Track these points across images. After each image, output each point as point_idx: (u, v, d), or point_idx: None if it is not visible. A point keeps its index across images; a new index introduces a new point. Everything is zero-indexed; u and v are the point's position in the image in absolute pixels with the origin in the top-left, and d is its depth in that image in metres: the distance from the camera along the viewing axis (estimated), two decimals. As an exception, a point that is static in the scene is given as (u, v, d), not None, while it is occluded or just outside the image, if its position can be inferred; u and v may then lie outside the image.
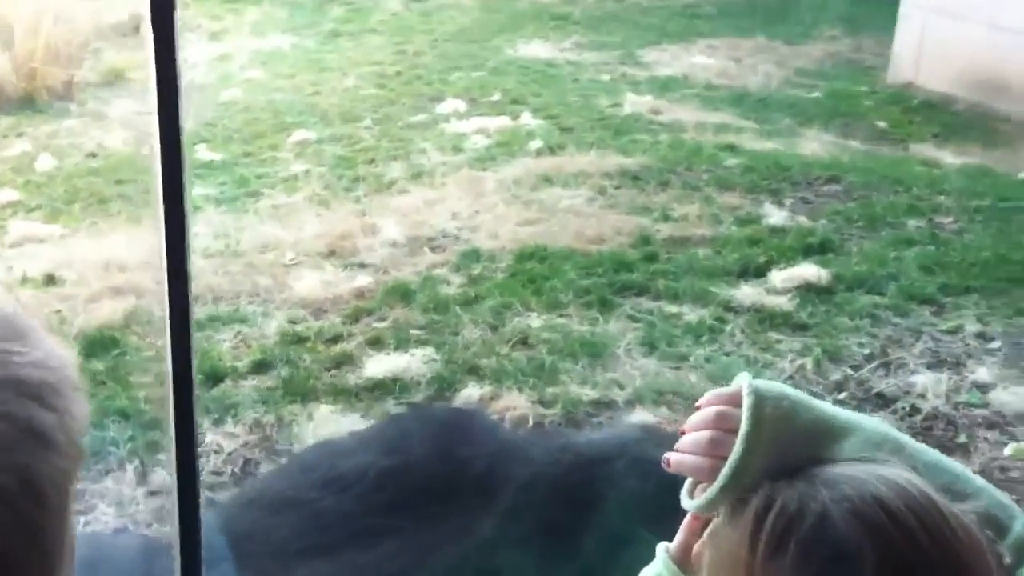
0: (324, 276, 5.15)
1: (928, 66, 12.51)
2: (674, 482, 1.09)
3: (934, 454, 1.06)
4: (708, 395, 1.09)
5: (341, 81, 12.11)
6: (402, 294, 4.80)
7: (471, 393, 3.81)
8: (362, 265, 5.36)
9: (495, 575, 2.73)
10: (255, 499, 3.01)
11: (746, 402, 1.03)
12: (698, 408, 1.09)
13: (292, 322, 4.64)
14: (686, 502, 1.08)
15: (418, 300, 4.72)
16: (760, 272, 4.93)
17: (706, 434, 1.06)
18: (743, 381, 1.06)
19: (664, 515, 1.17)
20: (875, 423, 1.07)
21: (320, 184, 7.61)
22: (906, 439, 1.06)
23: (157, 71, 1.66)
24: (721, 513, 1.05)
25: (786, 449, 1.01)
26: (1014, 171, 8.25)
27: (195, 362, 1.78)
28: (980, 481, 1.05)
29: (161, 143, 1.72)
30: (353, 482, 2.87)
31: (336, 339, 4.39)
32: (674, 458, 1.08)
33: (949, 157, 9.37)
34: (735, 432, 1.03)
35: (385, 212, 6.46)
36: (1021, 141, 10.24)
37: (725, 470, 1.02)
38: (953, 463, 1.06)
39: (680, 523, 1.15)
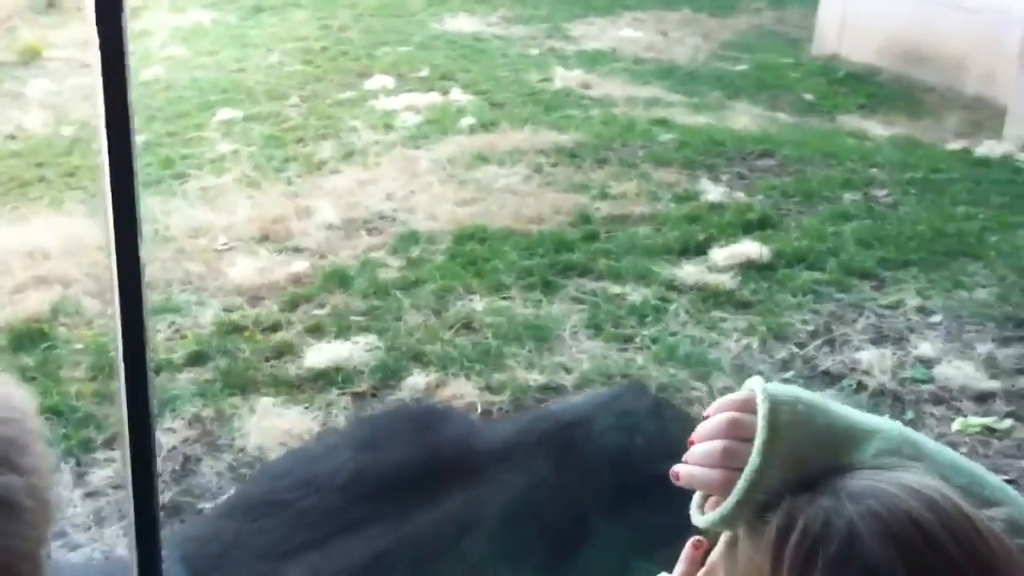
0: (259, 262, 5.02)
1: (851, 38, 12.64)
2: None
3: (950, 454, 1.01)
4: (718, 402, 1.01)
5: (265, 57, 11.86)
6: (340, 279, 4.69)
7: (416, 381, 3.73)
8: (297, 249, 5.23)
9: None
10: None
11: (761, 409, 0.96)
12: (706, 417, 1.01)
13: (228, 310, 4.51)
14: (697, 518, 1.00)
15: (357, 285, 4.62)
16: (701, 249, 4.91)
17: (718, 444, 0.98)
18: (756, 386, 0.98)
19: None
20: (891, 425, 1.01)
21: (249, 165, 7.43)
22: (923, 440, 1.00)
23: (102, 48, 1.55)
24: (728, 533, 0.99)
25: (804, 457, 0.95)
26: (941, 141, 8.37)
27: (150, 359, 1.68)
28: (995, 479, 1.01)
29: (107, 124, 1.60)
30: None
31: (275, 327, 4.27)
32: (683, 471, 0.99)
33: (877, 128, 9.48)
34: (750, 441, 0.96)
35: (318, 194, 6.32)
36: (946, 111, 10.40)
37: (741, 483, 0.94)
38: (968, 462, 1.01)
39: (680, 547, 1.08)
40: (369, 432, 3.24)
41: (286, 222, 5.64)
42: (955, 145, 7.64)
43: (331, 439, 3.27)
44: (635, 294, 4.45)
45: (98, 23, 1.57)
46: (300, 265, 4.94)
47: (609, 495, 2.68)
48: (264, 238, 5.46)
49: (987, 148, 7.32)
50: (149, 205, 6.25)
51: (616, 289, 4.51)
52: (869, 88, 11.14)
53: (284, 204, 6.11)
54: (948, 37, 11.23)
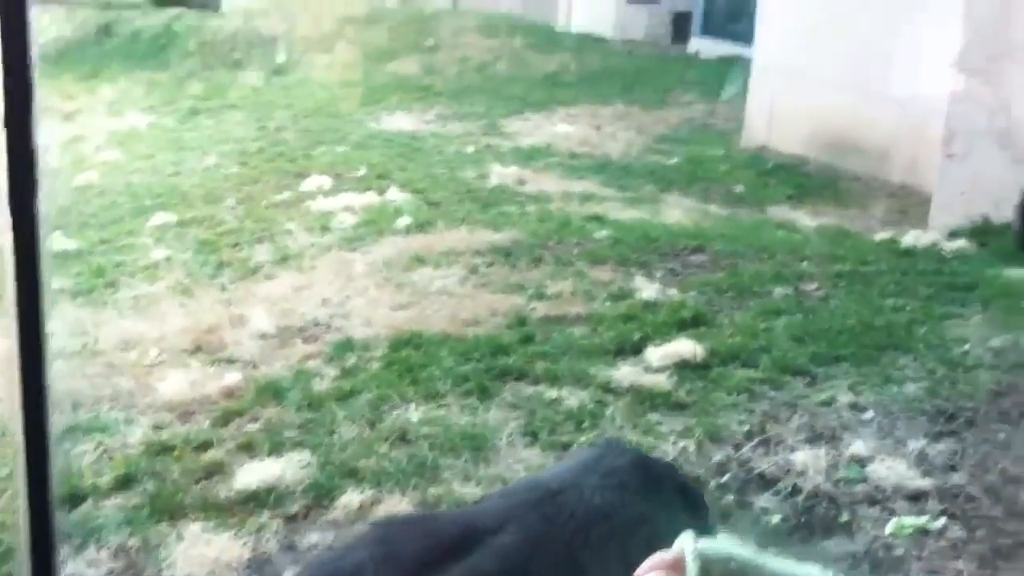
0: (190, 375, 4.94)
1: (779, 129, 12.96)
2: None
3: None
4: (647, 562, 0.99)
5: (201, 160, 11.86)
6: (274, 392, 4.63)
7: (350, 500, 3.66)
8: (230, 361, 5.16)
9: None
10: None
11: (691, 568, 0.95)
12: None
13: (157, 428, 4.42)
14: None
15: (291, 397, 4.56)
16: (637, 349, 4.93)
17: None
18: (686, 544, 0.97)
19: None
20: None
21: (183, 271, 7.36)
22: None
23: (9, 156, 1.52)
24: None
25: None
26: (868, 231, 8.54)
27: (54, 485, 1.63)
28: None
29: (14, 231, 1.56)
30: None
31: (205, 446, 4.19)
32: None
33: (805, 218, 9.67)
34: None
35: (252, 300, 6.27)
36: (872, 200, 10.65)
37: None
38: None
39: None
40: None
41: (219, 332, 5.57)
42: (882, 235, 7.80)
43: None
44: (572, 398, 4.44)
45: (7, 124, 1.53)
46: (233, 378, 4.87)
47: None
48: (196, 349, 5.39)
49: (913, 238, 7.48)
50: (79, 317, 6.15)
51: (553, 393, 4.50)
52: (797, 179, 11.40)
53: (218, 312, 6.04)
54: (872, 127, 11.56)
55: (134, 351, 5.41)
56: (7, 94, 1.51)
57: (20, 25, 1.50)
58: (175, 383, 4.81)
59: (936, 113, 9.60)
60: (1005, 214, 7.31)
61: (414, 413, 4.34)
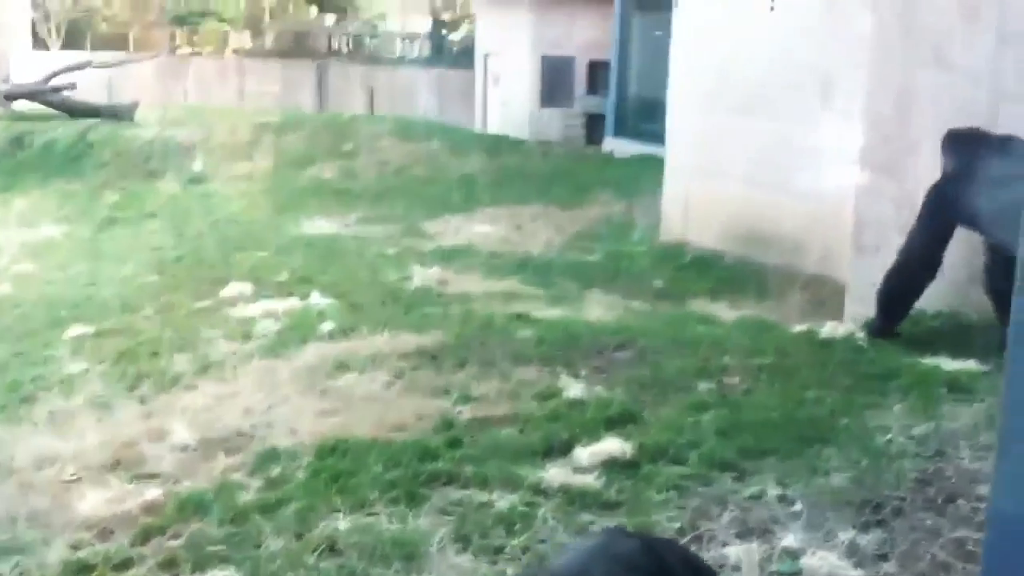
0: (109, 492, 4.81)
1: (696, 223, 13.24)
2: None
3: None
4: None
5: (119, 270, 11.71)
6: (196, 506, 4.51)
7: (280, 616, 3.57)
8: (151, 475, 5.04)
9: None
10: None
11: None
12: None
13: (75, 548, 4.28)
14: None
15: (214, 512, 4.45)
16: (565, 449, 4.92)
17: None
18: None
19: None
20: None
21: (100, 384, 7.21)
22: None
23: None
24: None
25: None
26: (786, 322, 8.70)
27: None
28: None
29: None
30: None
31: (126, 564, 4.05)
32: None
33: (725, 311, 9.83)
34: None
35: (173, 412, 6.15)
36: (789, 291, 10.87)
37: None
38: None
39: None
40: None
41: (138, 446, 5.45)
42: (800, 327, 7.95)
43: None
44: (502, 501, 4.39)
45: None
46: (153, 493, 4.75)
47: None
48: (115, 465, 5.26)
49: (830, 328, 7.62)
50: (-7, 434, 5.98)
51: (483, 497, 4.45)
52: (716, 272, 11.61)
53: (137, 426, 5.92)
54: (785, 220, 11.87)
55: (51, 468, 5.26)
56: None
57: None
58: (93, 500, 4.68)
59: (847, 205, 9.90)
60: (916, 304, 7.51)
61: (342, 522, 4.26)
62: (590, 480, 4.53)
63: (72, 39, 36.34)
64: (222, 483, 4.79)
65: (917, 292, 6.94)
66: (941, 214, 6.81)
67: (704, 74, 13.67)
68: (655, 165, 13.74)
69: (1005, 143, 6.76)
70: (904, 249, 7.01)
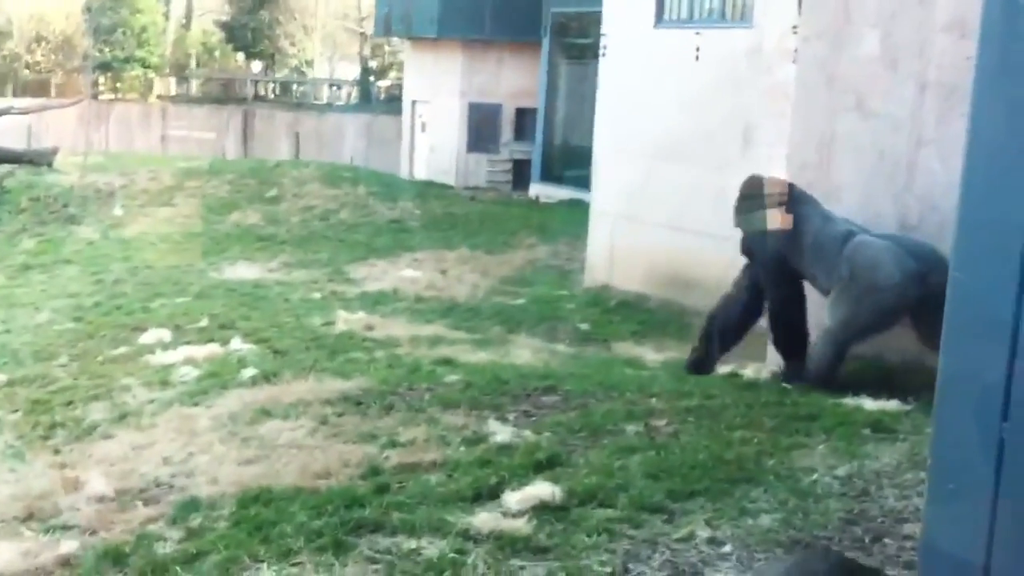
0: (22, 545, 4.63)
1: (620, 268, 13.35)
2: None
3: None
4: None
5: (33, 317, 11.42)
6: (114, 559, 4.36)
7: (200, 671, 3.44)
8: (66, 527, 4.87)
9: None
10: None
11: None
12: None
13: (-15, 605, 4.10)
14: None
15: (132, 564, 4.30)
16: (494, 494, 4.85)
17: None
18: None
19: None
20: None
21: (13, 434, 7.00)
22: None
23: None
24: None
25: None
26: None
27: None
28: None
29: None
30: None
31: (38, 621, 3.89)
32: None
33: (651, 353, 9.88)
34: None
35: (89, 462, 5.98)
36: (713, 334, 10.94)
37: None
38: None
39: None
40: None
41: (53, 497, 5.27)
42: (725, 369, 8.02)
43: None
44: (431, 548, 4.31)
45: None
46: (69, 545, 4.58)
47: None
48: (29, 517, 5.07)
49: (753, 371, 7.72)
50: (-102, 488, 5.74)
51: (411, 544, 4.36)
52: (640, 315, 11.70)
53: (51, 476, 5.73)
54: (708, 264, 12.00)
55: (-41, 522, 5.05)
56: None
57: None
58: (6, 554, 4.51)
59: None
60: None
61: (267, 573, 4.14)
62: (520, 525, 4.47)
63: (-8, 85, 35.70)
64: (140, 534, 4.64)
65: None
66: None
67: (629, 121, 13.86)
68: (581, 210, 13.85)
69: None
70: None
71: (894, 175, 7.43)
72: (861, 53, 7.66)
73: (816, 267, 7.14)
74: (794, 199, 7.37)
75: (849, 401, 6.24)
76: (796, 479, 4.86)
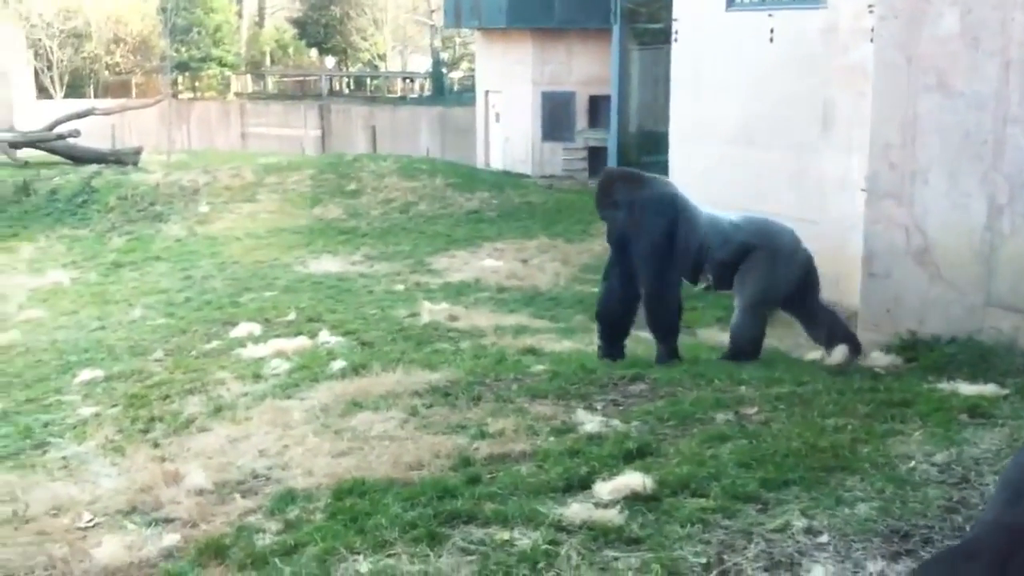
0: (127, 538, 4.75)
1: (702, 253, 13.21)
2: None
3: None
4: None
5: (127, 313, 11.71)
6: (215, 551, 4.46)
7: (305, 661, 3.50)
8: (168, 520, 4.99)
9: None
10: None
11: None
12: None
13: (95, 596, 4.22)
14: None
15: (233, 556, 4.39)
16: (585, 484, 4.85)
17: None
18: None
19: None
20: None
21: (113, 428, 7.18)
22: None
23: None
24: None
25: None
26: (798, 349, 8.66)
27: None
28: None
29: None
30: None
31: (147, 612, 4.00)
32: None
33: (737, 341, 9.73)
34: None
35: (187, 455, 6.11)
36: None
37: None
38: None
39: None
40: None
41: (154, 490, 5.40)
42: (814, 354, 7.91)
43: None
44: (524, 539, 4.33)
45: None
46: (171, 538, 4.70)
47: None
48: (132, 510, 5.21)
49: (842, 355, 7.60)
50: (7, 483, 5.93)
51: (504, 535, 4.39)
52: (723, 301, 11.54)
53: (151, 470, 5.87)
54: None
55: (66, 515, 5.21)
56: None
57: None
58: (111, 547, 4.62)
59: (853, 230, 9.89)
60: (931, 330, 7.49)
61: (363, 564, 4.20)
62: (612, 515, 4.46)
63: (74, 87, 36.59)
64: (240, 527, 4.74)
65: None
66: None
67: (703, 106, 13.74)
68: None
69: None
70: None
71: (981, 154, 7.27)
72: (940, 31, 7.49)
73: (695, 247, 7.60)
74: (648, 186, 7.72)
75: (945, 385, 6.12)
76: (893, 466, 4.78)
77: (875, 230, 8.03)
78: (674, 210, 7.57)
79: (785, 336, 9.90)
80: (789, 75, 12.42)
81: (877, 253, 8.00)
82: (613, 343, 7.95)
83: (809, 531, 4.21)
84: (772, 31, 12.82)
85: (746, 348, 7.66)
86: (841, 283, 10.53)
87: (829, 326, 7.87)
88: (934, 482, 4.58)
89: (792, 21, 12.60)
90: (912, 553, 3.96)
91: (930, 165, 7.61)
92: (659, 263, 7.56)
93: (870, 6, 10.05)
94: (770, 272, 7.68)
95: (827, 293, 11.32)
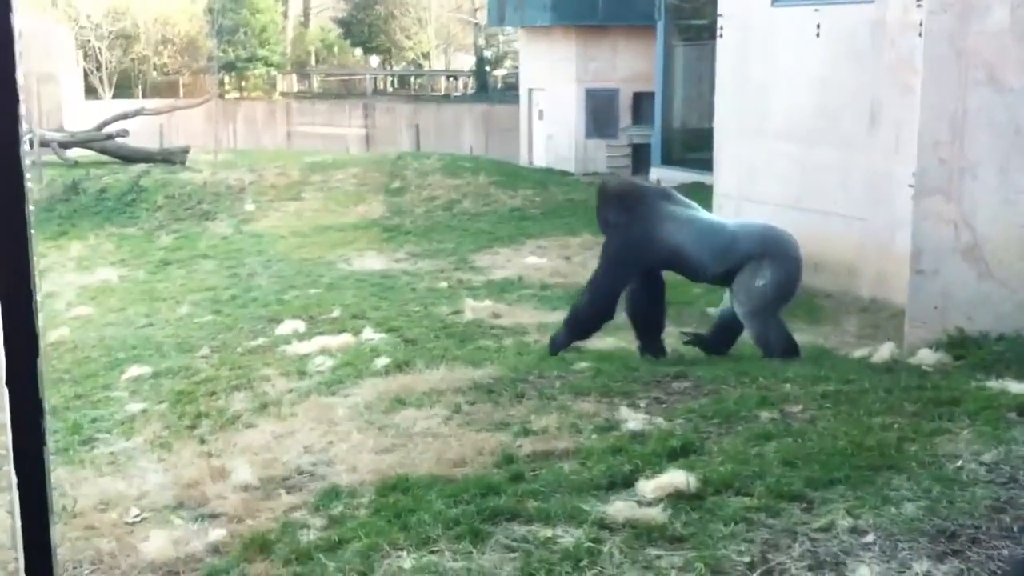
0: (174, 533, 4.81)
1: (747, 250, 13.12)
2: None
3: None
4: None
5: (174, 310, 11.84)
6: (261, 546, 4.50)
7: (348, 656, 3.53)
8: (214, 516, 5.05)
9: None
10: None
11: None
12: None
13: (142, 590, 4.28)
14: None
15: (278, 551, 4.43)
16: (628, 482, 4.84)
17: None
18: None
19: None
20: None
21: (160, 424, 7.26)
22: None
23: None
24: None
25: None
26: (845, 346, 8.58)
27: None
28: None
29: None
30: None
31: (193, 607, 4.05)
32: None
33: (782, 338, 9.65)
34: None
35: (233, 451, 6.17)
36: (845, 316, 10.73)
37: None
38: None
39: None
40: None
41: (201, 486, 5.46)
42: (860, 351, 7.83)
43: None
44: (567, 536, 4.33)
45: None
46: (218, 533, 4.75)
47: None
48: (178, 505, 5.27)
49: (890, 352, 7.53)
50: (55, 478, 6.01)
51: (547, 532, 4.39)
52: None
53: (198, 465, 5.93)
54: (836, 244, 11.73)
55: (114, 510, 5.28)
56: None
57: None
58: (158, 542, 4.68)
59: (899, 228, 9.77)
60: (979, 327, 7.39)
61: (406, 561, 4.22)
62: (655, 513, 4.45)
63: (123, 88, 37.08)
64: (285, 522, 4.78)
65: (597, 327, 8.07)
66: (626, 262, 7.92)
67: (750, 102, 13.62)
68: (703, 193, 13.65)
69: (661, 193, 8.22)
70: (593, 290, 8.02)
71: (1033, 150, 7.16)
72: (990, 25, 7.39)
73: (701, 253, 7.79)
74: (647, 197, 8.01)
75: (993, 384, 6.03)
76: (940, 466, 4.72)
77: (923, 227, 7.93)
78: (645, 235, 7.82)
79: (831, 334, 9.82)
80: (836, 70, 12.29)
81: (925, 250, 7.90)
82: (650, 340, 8.05)
83: (854, 531, 4.17)
84: (819, 26, 12.69)
85: (779, 344, 7.64)
86: (888, 279, 10.42)
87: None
88: (982, 481, 4.52)
89: (839, 16, 12.46)
90: (959, 553, 3.91)
91: (979, 161, 7.50)
92: (612, 273, 7.92)
93: (918, 1, 9.92)
94: (776, 279, 7.77)
95: (873, 289, 11.22)
